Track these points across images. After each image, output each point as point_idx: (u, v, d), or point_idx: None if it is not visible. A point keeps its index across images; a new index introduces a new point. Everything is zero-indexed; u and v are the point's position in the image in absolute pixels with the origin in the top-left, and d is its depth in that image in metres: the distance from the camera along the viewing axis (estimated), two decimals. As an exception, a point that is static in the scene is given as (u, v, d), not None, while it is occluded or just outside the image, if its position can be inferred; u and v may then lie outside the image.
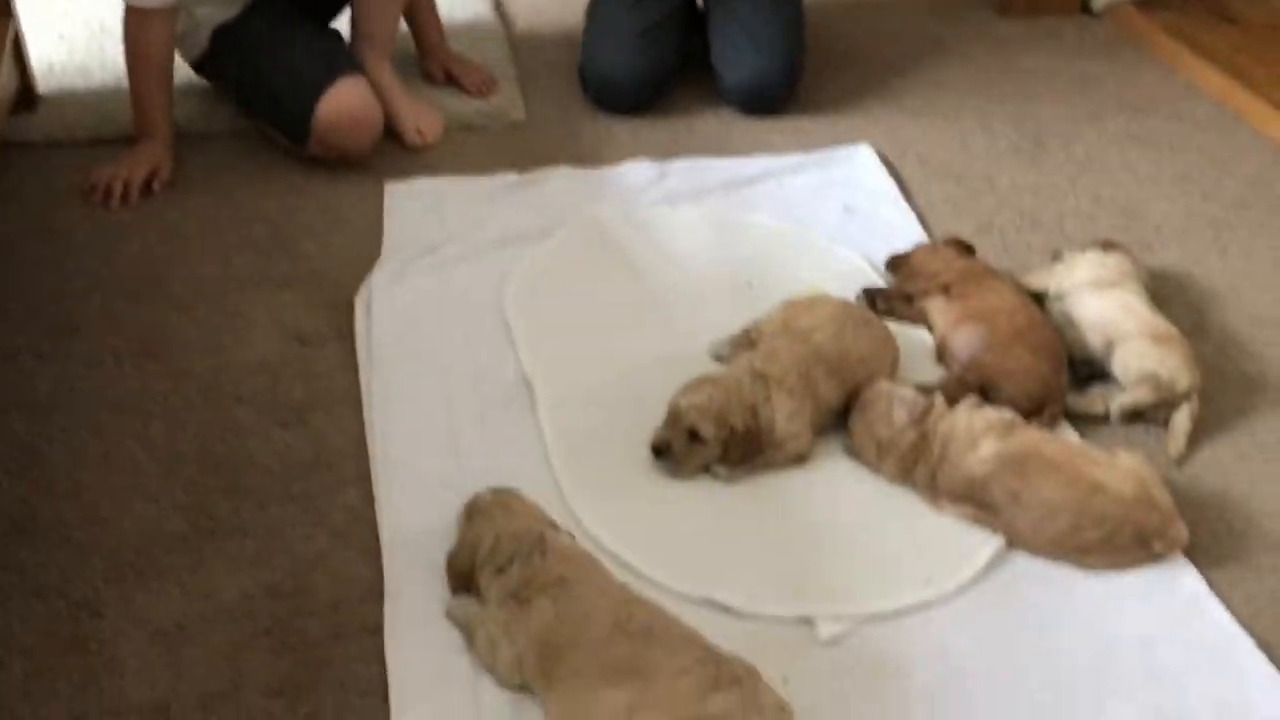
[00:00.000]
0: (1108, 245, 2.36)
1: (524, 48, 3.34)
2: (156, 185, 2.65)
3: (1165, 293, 2.39)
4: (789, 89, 3.03)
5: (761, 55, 2.95)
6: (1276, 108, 3.01)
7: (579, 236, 2.55)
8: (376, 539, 1.86)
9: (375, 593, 1.78)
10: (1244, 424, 2.14)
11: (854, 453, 2.04)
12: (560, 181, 2.74)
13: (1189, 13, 3.48)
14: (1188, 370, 2.10)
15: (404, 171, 2.75)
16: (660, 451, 1.98)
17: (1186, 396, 2.09)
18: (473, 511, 1.80)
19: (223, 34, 2.77)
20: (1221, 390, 2.20)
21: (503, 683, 1.64)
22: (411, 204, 2.64)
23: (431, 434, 2.05)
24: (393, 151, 2.82)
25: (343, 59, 2.75)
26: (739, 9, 2.99)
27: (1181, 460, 2.06)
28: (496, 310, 2.33)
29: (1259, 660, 1.73)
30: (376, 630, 1.72)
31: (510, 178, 2.74)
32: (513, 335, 2.27)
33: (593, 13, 3.09)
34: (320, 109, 2.64)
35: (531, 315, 2.32)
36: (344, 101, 2.66)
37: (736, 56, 2.97)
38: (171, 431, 2.05)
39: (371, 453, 2.01)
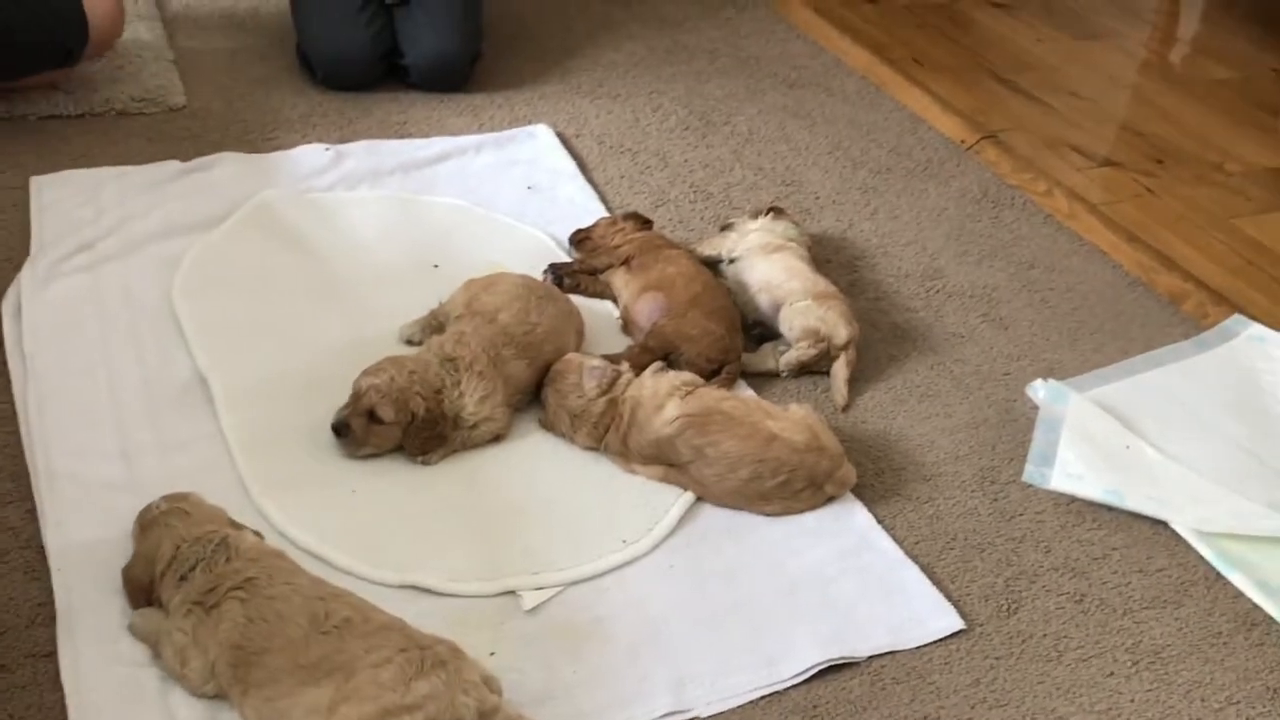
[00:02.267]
0: (776, 212, 2.51)
1: (180, 28, 3.16)
2: None
3: (824, 254, 2.57)
4: (470, 65, 3.05)
5: (443, 33, 2.95)
6: (911, 80, 3.28)
7: (250, 223, 2.44)
8: (43, 558, 1.72)
9: (46, 615, 1.65)
10: (897, 370, 2.34)
11: (548, 425, 2.08)
12: (227, 168, 2.61)
13: (835, -8, 3.73)
14: (845, 324, 2.26)
15: (53, 164, 2.54)
16: (340, 431, 1.94)
17: (845, 348, 2.25)
18: (146, 522, 1.70)
19: None
20: (878, 340, 2.39)
21: (195, 693, 1.56)
22: (62, 198, 2.44)
23: (97, 441, 1.92)
24: (40, 143, 2.60)
25: None
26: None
27: (846, 407, 2.22)
28: (163, 305, 2.20)
29: (923, 583, 1.90)
30: (50, 654, 1.60)
31: (172, 166, 2.59)
32: (183, 330, 2.15)
33: None
34: None
35: (202, 308, 2.20)
36: None
37: (417, 33, 2.96)
38: None
39: (31, 466, 1.86)
